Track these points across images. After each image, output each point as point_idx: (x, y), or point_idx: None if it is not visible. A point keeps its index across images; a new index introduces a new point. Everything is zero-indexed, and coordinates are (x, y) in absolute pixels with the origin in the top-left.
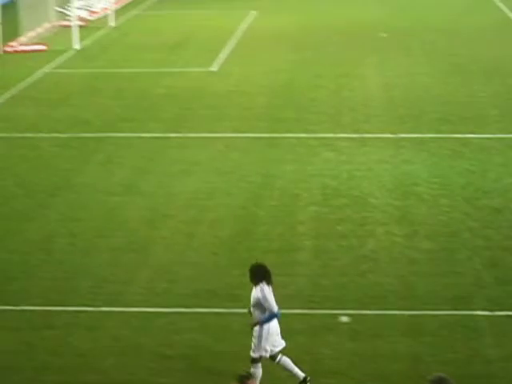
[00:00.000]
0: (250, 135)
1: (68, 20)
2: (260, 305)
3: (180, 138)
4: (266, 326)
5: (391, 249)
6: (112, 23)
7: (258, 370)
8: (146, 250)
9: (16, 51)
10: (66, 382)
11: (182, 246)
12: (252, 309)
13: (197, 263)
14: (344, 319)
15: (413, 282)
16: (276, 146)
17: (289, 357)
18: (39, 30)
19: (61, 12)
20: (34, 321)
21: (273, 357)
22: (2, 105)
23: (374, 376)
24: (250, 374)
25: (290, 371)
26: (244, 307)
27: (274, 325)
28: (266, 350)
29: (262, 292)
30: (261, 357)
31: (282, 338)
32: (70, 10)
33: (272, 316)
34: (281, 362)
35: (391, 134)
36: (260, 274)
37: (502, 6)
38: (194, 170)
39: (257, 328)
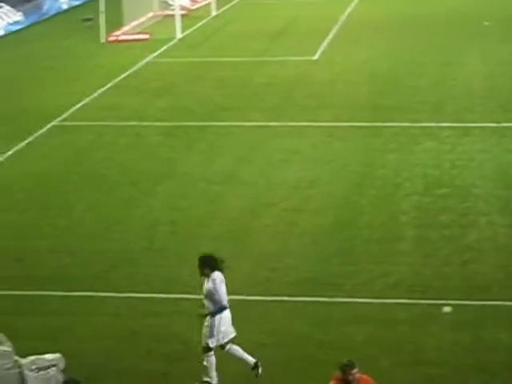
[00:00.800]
0: (352, 124)
1: (170, 9)
2: (211, 296)
3: (281, 126)
4: (217, 317)
5: (494, 239)
6: (214, 12)
7: (212, 359)
8: (247, 239)
9: (119, 40)
10: (170, 369)
11: (284, 234)
12: (204, 299)
13: (298, 252)
14: (446, 309)
15: None
16: (378, 135)
17: (238, 345)
18: (142, 19)
19: (163, 1)
20: (137, 308)
21: (222, 346)
22: (105, 94)
23: (476, 366)
24: (353, 363)
25: (240, 358)
26: (345, 296)
27: (226, 315)
28: (217, 340)
29: (214, 284)
30: (213, 346)
31: (233, 326)
32: (172, 0)
33: (222, 308)
34: (230, 351)
35: (494, 123)
36: (209, 265)
37: None
38: (295, 159)
39: (208, 318)
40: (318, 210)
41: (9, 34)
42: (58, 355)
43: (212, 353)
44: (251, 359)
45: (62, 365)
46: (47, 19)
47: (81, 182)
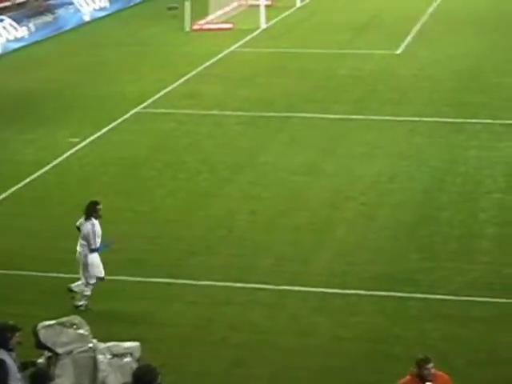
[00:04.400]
0: (434, 119)
1: (255, 0)
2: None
3: (363, 120)
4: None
5: None
6: (298, 3)
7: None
8: (326, 231)
9: (203, 29)
10: (244, 357)
11: (363, 228)
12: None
13: (377, 246)
14: None
15: None
16: (460, 132)
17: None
18: (227, 8)
19: None
20: (214, 296)
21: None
22: (188, 82)
23: None
24: (428, 358)
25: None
26: (423, 292)
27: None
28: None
29: (93, 227)
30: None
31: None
32: None
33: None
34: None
35: None
36: (89, 210)
37: None
38: (376, 153)
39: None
40: (397, 204)
41: (95, 20)
42: (135, 344)
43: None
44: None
45: (137, 354)
46: (132, 6)
47: (161, 168)
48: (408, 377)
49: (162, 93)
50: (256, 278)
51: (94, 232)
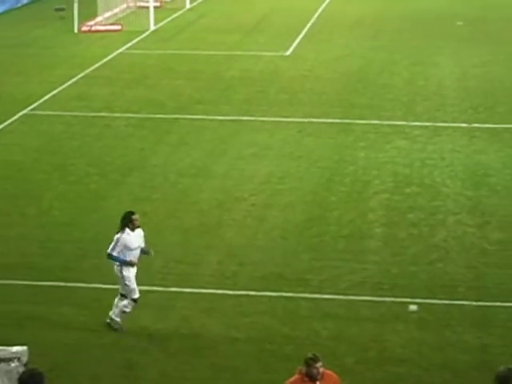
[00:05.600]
0: (323, 120)
1: (144, 1)
2: None
3: (253, 121)
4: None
5: (462, 239)
6: (188, 5)
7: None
8: (216, 232)
9: (92, 31)
10: (135, 360)
11: (253, 229)
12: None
13: (266, 247)
14: (413, 308)
15: (483, 273)
16: (349, 132)
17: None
18: (116, 10)
19: None
20: (105, 299)
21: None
22: (77, 83)
23: (441, 365)
24: (317, 357)
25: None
26: (312, 292)
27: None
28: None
29: (121, 235)
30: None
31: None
32: None
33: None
34: None
35: (465, 123)
36: (124, 221)
37: None
38: (266, 154)
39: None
40: (287, 205)
41: None
42: (23, 348)
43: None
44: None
45: (25, 358)
46: (20, 7)
47: (50, 171)
48: (296, 376)
49: (50, 95)
50: (146, 280)
51: (117, 240)
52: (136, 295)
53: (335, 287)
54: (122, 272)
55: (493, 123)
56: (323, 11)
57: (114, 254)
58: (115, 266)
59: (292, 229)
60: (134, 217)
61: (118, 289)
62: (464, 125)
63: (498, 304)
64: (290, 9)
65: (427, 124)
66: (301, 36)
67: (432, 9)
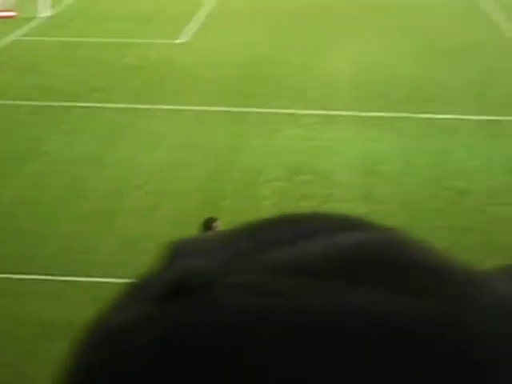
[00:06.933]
0: (217, 109)
1: None
2: None
3: (147, 109)
4: None
5: None
6: None
7: None
8: (110, 221)
9: None
10: (31, 350)
11: (147, 217)
12: None
13: (161, 235)
14: None
15: None
16: (242, 121)
17: None
18: None
19: None
20: None
21: None
22: None
23: None
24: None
25: None
26: None
27: None
28: None
29: None
30: None
31: None
32: None
33: None
34: None
35: (357, 111)
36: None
37: None
38: (160, 142)
39: None
40: (181, 193)
41: None
42: None
43: None
44: None
45: None
46: None
47: None
48: None
49: None
50: (39, 270)
51: None
52: None
53: None
54: None
55: (385, 111)
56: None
57: None
58: None
59: (187, 217)
60: (215, 224)
61: (8, 278)
62: (356, 113)
63: None
64: None
65: (320, 112)
66: (197, 24)
67: None
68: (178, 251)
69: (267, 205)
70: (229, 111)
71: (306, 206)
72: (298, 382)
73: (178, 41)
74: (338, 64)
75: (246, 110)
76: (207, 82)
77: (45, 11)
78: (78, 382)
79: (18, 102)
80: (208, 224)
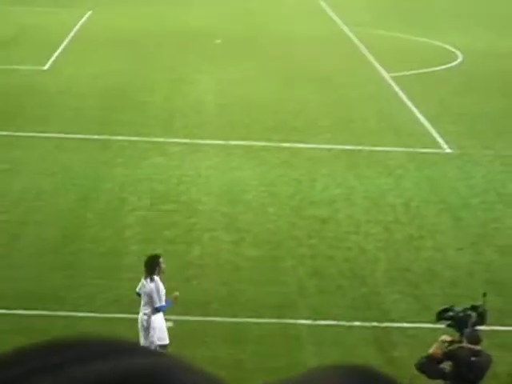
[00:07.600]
0: (81, 136)
1: None
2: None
3: (8, 136)
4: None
5: (217, 255)
6: None
7: None
8: None
9: None
10: None
11: (7, 247)
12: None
13: (21, 265)
14: (168, 324)
15: (237, 289)
16: (106, 149)
17: None
18: None
19: None
20: None
21: None
22: None
23: None
24: None
25: None
26: (68, 310)
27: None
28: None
29: (156, 284)
30: None
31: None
32: None
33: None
34: None
35: (222, 140)
36: (152, 266)
37: (335, 17)
38: (21, 170)
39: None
40: (42, 222)
41: None
42: None
43: None
44: None
45: None
46: None
47: None
48: None
49: None
50: None
51: (157, 289)
52: (167, 341)
53: (90, 305)
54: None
55: (250, 140)
56: (82, 26)
57: (163, 304)
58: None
59: (47, 246)
60: (161, 259)
61: None
62: (221, 142)
63: (251, 320)
64: (48, 23)
65: (185, 141)
66: (59, 50)
67: (191, 25)
68: None
69: (131, 234)
70: (92, 139)
71: (169, 235)
72: None
73: (41, 67)
74: (205, 92)
75: (110, 137)
76: (72, 109)
77: None
78: None
79: None
80: (155, 262)
